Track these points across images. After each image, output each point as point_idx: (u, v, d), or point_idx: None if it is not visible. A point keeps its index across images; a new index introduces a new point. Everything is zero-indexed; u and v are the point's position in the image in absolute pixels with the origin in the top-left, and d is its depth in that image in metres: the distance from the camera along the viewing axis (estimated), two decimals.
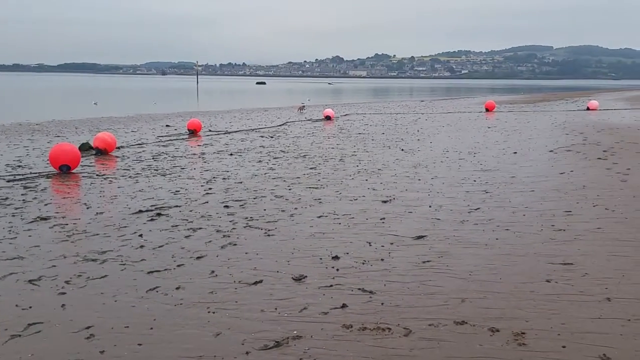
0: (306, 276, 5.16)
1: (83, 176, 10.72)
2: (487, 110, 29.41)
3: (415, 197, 8.48)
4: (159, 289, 4.94)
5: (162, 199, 8.62)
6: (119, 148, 14.57)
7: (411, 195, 8.62)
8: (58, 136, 17.94)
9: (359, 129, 19.78)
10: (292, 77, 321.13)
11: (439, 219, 7.18)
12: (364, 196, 8.65)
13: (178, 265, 5.54)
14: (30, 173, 10.92)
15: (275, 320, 4.24)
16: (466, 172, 10.60)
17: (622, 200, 7.90)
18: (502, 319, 4.17)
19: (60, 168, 11.00)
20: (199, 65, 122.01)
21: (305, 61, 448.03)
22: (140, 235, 6.61)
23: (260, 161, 12.32)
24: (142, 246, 6.19)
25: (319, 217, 7.40)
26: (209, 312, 4.42)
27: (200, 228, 6.90)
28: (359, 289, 4.83)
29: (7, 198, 8.70)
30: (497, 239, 6.25)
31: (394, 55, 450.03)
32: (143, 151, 14.23)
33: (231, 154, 13.48)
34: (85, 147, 13.93)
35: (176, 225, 7.04)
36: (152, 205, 8.13)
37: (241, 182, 9.86)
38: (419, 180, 9.90)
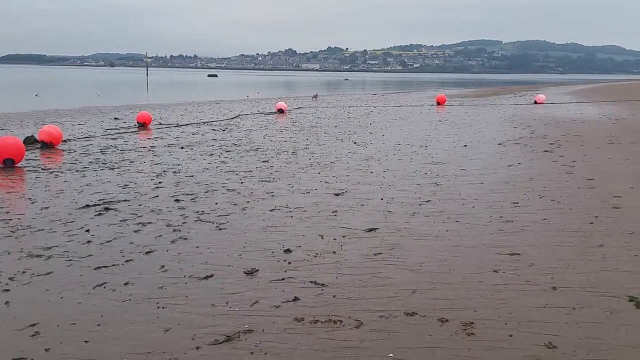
0: (258, 270, 5.14)
1: (28, 170, 10.43)
2: (438, 104, 29.83)
3: (367, 190, 8.54)
4: (106, 285, 4.84)
5: (110, 193, 8.45)
6: (65, 142, 14.22)
7: (364, 189, 8.68)
8: (2, 129, 17.39)
9: (312, 123, 19.79)
10: (244, 70, 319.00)
11: (390, 212, 7.25)
12: (316, 189, 8.66)
13: (127, 261, 5.45)
14: None
15: (226, 315, 4.21)
16: (418, 165, 10.73)
17: (568, 192, 8.12)
18: (452, 309, 4.24)
19: (4, 162, 10.67)
20: (149, 57, 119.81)
21: (258, 54, 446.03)
22: (88, 231, 6.47)
23: (212, 155, 12.20)
24: (89, 242, 6.06)
25: (272, 210, 7.38)
26: (158, 307, 4.36)
27: (150, 223, 6.80)
28: (311, 282, 4.84)
29: None
30: (447, 230, 6.35)
31: (347, 49, 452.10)
32: (91, 145, 13.92)
33: (182, 148, 13.31)
34: (30, 141, 13.54)
35: (125, 220, 6.92)
36: (100, 200, 7.96)
37: (192, 176, 9.75)
38: (372, 173, 9.97)
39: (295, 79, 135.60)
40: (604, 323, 3.96)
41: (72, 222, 6.86)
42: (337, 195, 8.27)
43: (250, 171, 10.21)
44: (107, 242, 6.07)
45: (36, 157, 12.04)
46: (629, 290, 4.48)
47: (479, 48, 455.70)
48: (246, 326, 4.03)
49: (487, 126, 17.80)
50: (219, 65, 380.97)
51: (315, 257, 5.51)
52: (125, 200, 7.95)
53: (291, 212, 7.30)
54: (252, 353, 3.67)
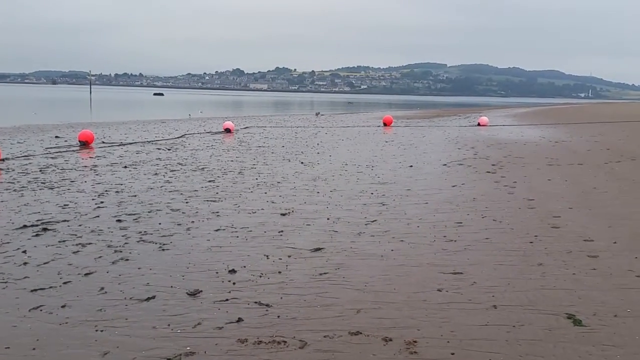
0: (201, 291, 5.07)
1: None
2: (385, 124, 30.22)
3: (313, 210, 8.56)
4: (43, 307, 4.69)
5: (49, 213, 8.21)
6: (3, 160, 13.77)
7: (310, 208, 8.70)
8: None
9: (259, 142, 19.76)
10: (191, 89, 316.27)
11: (336, 231, 7.28)
12: (262, 209, 8.63)
13: (64, 283, 5.29)
14: None
15: (167, 337, 4.13)
16: (364, 185, 10.83)
17: (509, 211, 8.33)
18: (395, 328, 4.28)
19: None
20: (92, 75, 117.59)
21: (205, 73, 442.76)
22: (24, 252, 6.26)
23: (156, 174, 12.02)
24: (25, 263, 5.87)
25: (217, 230, 7.30)
26: (96, 330, 4.25)
27: (89, 243, 6.63)
28: (256, 302, 4.80)
29: None
30: (392, 250, 6.41)
31: (295, 69, 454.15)
32: (29, 163, 13.52)
33: (125, 167, 13.07)
34: None
35: (64, 241, 6.73)
36: (38, 220, 7.72)
37: (135, 196, 9.58)
38: (318, 193, 10.00)
39: (243, 98, 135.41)
40: (543, 340, 4.05)
41: (7, 242, 6.63)
42: (283, 214, 8.26)
43: (196, 190, 10.10)
44: (44, 263, 5.89)
45: None
46: (566, 308, 4.61)
47: (424, 70, 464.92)
48: (188, 348, 3.96)
49: (432, 147, 18.13)
50: (165, 84, 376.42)
51: (260, 277, 5.48)
52: (65, 220, 7.74)
53: (236, 231, 7.25)
54: None
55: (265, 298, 4.90)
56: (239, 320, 4.43)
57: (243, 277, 5.48)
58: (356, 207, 8.77)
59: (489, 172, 12.30)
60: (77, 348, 3.96)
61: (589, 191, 9.76)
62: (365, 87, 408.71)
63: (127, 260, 6.01)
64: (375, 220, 7.88)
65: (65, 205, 8.78)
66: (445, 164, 13.73)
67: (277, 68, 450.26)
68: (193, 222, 7.76)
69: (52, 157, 14.77)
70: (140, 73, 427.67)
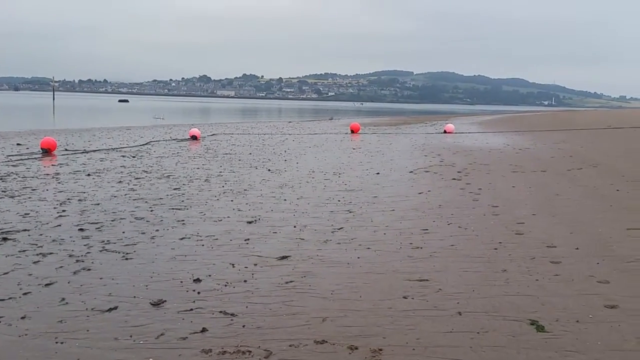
0: (165, 300, 5.01)
1: None
2: (352, 132, 30.35)
3: (280, 218, 8.53)
4: (2, 319, 4.58)
5: (9, 222, 8.03)
6: None
7: (276, 216, 8.67)
8: None
9: (226, 149, 19.66)
10: (157, 96, 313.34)
11: (303, 239, 7.26)
12: (228, 217, 8.57)
13: (24, 293, 5.17)
14: None
15: (129, 348, 4.06)
16: (331, 192, 10.84)
17: (474, 218, 8.41)
18: (361, 336, 4.27)
19: None
20: (55, 82, 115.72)
21: (171, 79, 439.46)
22: None
23: (120, 182, 11.86)
24: None
25: (182, 239, 7.22)
26: (57, 342, 4.15)
27: (50, 253, 6.49)
28: (220, 311, 4.76)
29: None
30: (358, 257, 6.42)
31: (262, 76, 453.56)
32: None
33: (89, 175, 12.86)
34: None
35: (24, 251, 6.58)
36: None
37: (99, 204, 9.43)
38: (285, 200, 9.98)
39: (210, 105, 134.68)
40: (506, 347, 4.09)
41: None
42: (250, 222, 8.21)
43: (161, 198, 9.99)
44: (4, 273, 5.75)
45: None
46: (529, 314, 4.66)
47: (391, 78, 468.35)
48: (150, 359, 3.89)
49: (399, 154, 18.26)
50: (130, 90, 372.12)
51: (226, 286, 5.43)
52: (25, 230, 7.58)
53: (202, 240, 7.18)
54: None
55: (230, 307, 4.85)
56: (204, 330, 4.38)
57: (208, 286, 5.42)
58: (323, 215, 8.77)
59: (454, 179, 12.42)
60: None
61: (552, 198, 9.92)
62: (333, 94, 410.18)
63: (89, 270, 5.91)
64: (342, 228, 7.88)
65: (26, 214, 8.60)
66: (411, 171, 13.82)
67: (245, 75, 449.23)
68: (157, 230, 7.67)
69: (13, 165, 14.47)
70: (104, 79, 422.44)
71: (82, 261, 6.19)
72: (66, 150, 18.60)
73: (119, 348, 4.06)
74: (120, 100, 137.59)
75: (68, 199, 9.87)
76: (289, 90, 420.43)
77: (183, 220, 8.28)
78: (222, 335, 4.30)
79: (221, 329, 4.40)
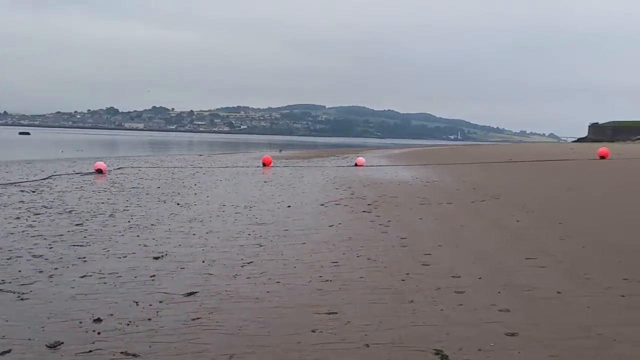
0: (62, 342, 4.77)
1: None
2: (264, 164, 30.36)
3: (188, 253, 8.37)
4: None
5: None
6: None
7: (185, 251, 8.50)
8: None
9: (133, 183, 19.16)
10: (61, 128, 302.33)
11: (211, 274, 7.14)
12: (134, 253, 8.32)
13: None
14: None
15: None
16: (242, 225, 10.75)
17: (382, 250, 8.56)
18: None
19: None
20: None
21: (76, 111, 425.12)
22: None
23: (18, 218, 11.29)
24: None
25: (82, 277, 6.94)
26: None
27: None
28: (122, 352, 4.58)
29: None
30: (267, 292, 6.38)
31: (173, 109, 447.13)
32: None
33: None
34: None
35: None
36: None
37: None
38: (194, 235, 9.81)
39: (117, 137, 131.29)
40: None
41: None
42: (156, 258, 8.00)
43: (61, 235, 9.58)
44: None
45: None
46: (434, 344, 4.76)
47: (303, 112, 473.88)
48: None
49: (310, 187, 18.39)
50: (32, 123, 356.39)
51: (128, 325, 5.24)
52: None
53: (104, 277, 6.92)
54: None
55: (132, 347, 4.68)
56: None
57: (109, 325, 5.21)
58: (233, 249, 8.67)
59: (364, 211, 12.62)
60: None
61: (457, 229, 10.26)
62: (246, 127, 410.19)
63: None
64: (251, 262, 7.82)
65: None
66: (322, 204, 13.94)
67: (154, 107, 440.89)
68: (57, 268, 7.33)
69: None
70: (4, 111, 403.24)
71: None
72: None
73: None
74: (20, 133, 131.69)
75: None
76: (200, 123, 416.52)
77: (84, 258, 7.96)
78: None
79: None
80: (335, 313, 5.59)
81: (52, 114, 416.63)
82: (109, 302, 5.94)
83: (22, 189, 16.75)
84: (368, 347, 4.71)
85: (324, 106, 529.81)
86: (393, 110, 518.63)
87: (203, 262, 7.82)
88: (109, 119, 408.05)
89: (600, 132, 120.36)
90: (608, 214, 11.60)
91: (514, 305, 5.77)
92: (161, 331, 5.09)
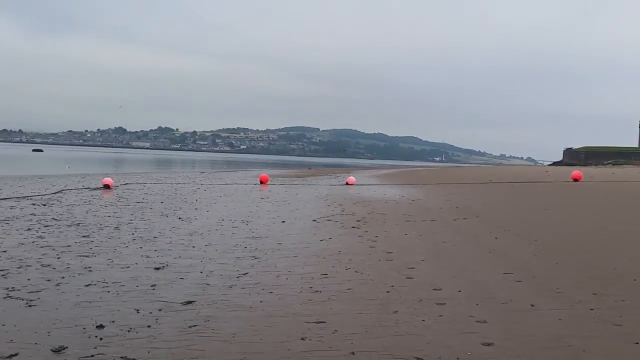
0: (66, 347, 4.73)
1: None
2: (261, 182, 30.33)
3: (188, 264, 8.34)
4: None
5: None
6: None
7: (184, 262, 8.46)
8: None
9: (138, 198, 19.10)
10: (72, 146, 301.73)
11: (209, 284, 7.11)
12: (136, 263, 8.28)
13: None
14: None
15: None
16: (238, 239, 10.73)
17: (370, 264, 8.55)
18: None
19: None
20: None
21: (86, 130, 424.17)
22: None
23: (29, 229, 11.23)
24: None
25: (87, 285, 6.89)
26: None
27: None
28: (122, 357, 4.54)
29: None
30: (261, 301, 6.35)
31: (177, 129, 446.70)
32: None
33: None
34: None
35: None
36: None
37: (5, 251, 8.87)
38: (194, 247, 9.78)
39: (125, 155, 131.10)
40: None
41: None
42: (157, 269, 7.96)
43: (69, 246, 9.53)
44: None
45: None
46: (416, 352, 4.75)
47: (299, 133, 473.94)
48: None
49: (304, 204, 18.38)
50: (45, 141, 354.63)
51: (129, 331, 5.20)
52: None
53: (108, 286, 6.88)
54: None
55: (132, 353, 4.65)
56: None
57: (111, 332, 5.18)
58: (230, 261, 8.65)
59: (354, 227, 12.62)
60: None
61: (439, 245, 10.26)
62: (245, 147, 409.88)
63: None
64: (247, 273, 7.80)
65: None
66: (315, 220, 13.93)
67: (160, 127, 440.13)
68: (63, 277, 7.29)
69: None
70: (20, 129, 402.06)
71: None
72: None
73: None
74: (34, 150, 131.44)
75: None
76: (202, 142, 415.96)
77: (90, 267, 7.91)
78: None
79: None
80: (324, 322, 5.57)
81: (64, 132, 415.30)
82: (111, 309, 5.90)
83: (34, 202, 16.67)
84: (354, 354, 4.69)
85: (318, 128, 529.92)
86: (382, 134, 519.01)
87: (201, 272, 7.79)
88: (117, 137, 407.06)
89: (574, 157, 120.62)
90: (580, 232, 11.64)
91: (491, 317, 5.76)
92: (160, 337, 5.06)
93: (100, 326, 5.32)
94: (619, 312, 5.87)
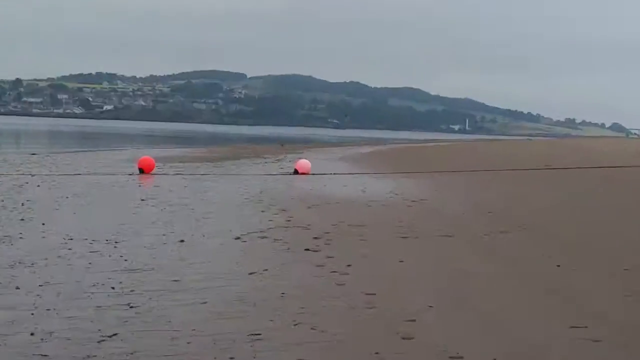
0: None
1: None
2: (141, 171, 30.12)
3: (8, 320, 8.23)
4: None
5: None
6: None
7: (1, 316, 8.36)
8: None
9: None
10: None
11: (46, 356, 7.04)
12: None
13: None
14: None
15: None
16: (100, 273, 10.65)
17: (337, 314, 8.58)
18: None
19: None
20: None
21: None
22: None
23: None
24: None
25: None
26: None
27: None
28: None
29: None
30: None
31: None
32: None
33: None
34: None
35: None
36: None
37: None
38: (18, 289, 9.67)
39: None
40: None
41: None
42: None
43: None
44: None
45: None
46: None
47: (210, 83, 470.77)
48: None
49: (218, 208, 18.37)
50: None
51: None
52: None
53: None
54: None
55: None
56: None
57: None
58: (84, 313, 8.58)
59: (308, 249, 12.65)
60: None
61: (459, 279, 10.37)
62: (111, 107, 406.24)
63: None
64: (115, 334, 7.74)
65: None
66: (238, 237, 13.92)
67: None
68: None
69: None
70: None
71: None
72: None
73: None
74: None
75: None
76: (32, 100, 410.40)
77: None
78: None
79: None
80: None
81: None
82: None
83: None
84: None
85: (245, 74, 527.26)
86: (359, 83, 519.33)
87: (32, 335, 7.70)
88: None
89: None
90: None
91: None
92: None
93: None
94: None
